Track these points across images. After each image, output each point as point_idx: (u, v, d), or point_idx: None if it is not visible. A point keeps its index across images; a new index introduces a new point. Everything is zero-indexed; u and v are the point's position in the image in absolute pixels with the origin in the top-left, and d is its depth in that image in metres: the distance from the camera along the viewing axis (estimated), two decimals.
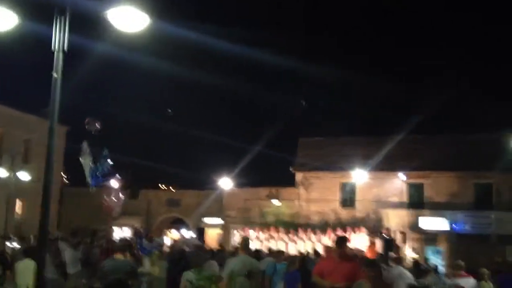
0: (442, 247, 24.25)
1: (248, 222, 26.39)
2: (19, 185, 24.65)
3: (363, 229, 21.55)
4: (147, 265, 11.62)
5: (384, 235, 20.57)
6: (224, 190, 29.26)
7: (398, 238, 22.65)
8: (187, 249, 17.61)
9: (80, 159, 13.91)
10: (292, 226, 24.18)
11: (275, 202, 28.52)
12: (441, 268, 14.48)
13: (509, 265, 13.39)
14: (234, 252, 11.77)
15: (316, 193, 28.21)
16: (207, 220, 30.10)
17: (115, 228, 29.13)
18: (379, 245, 20.12)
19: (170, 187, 38.72)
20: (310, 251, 16.76)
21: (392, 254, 14.28)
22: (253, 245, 20.16)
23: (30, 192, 23.33)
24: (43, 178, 6.34)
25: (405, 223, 24.58)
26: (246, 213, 28.99)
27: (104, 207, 15.44)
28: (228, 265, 7.87)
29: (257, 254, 14.82)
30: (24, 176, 24.66)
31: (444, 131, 28.48)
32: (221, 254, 14.19)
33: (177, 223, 33.94)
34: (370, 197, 27.18)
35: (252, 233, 22.38)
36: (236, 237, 22.37)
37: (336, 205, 27.84)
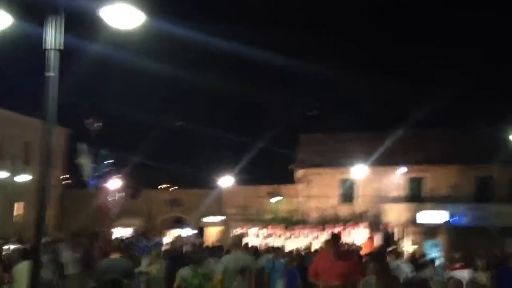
0: (441, 240, 24.29)
1: (248, 220, 26.43)
2: (19, 188, 24.72)
3: (363, 225, 21.56)
4: (145, 264, 11.62)
5: (383, 230, 20.60)
6: (225, 188, 29.30)
7: (397, 232, 22.68)
8: (185, 247, 17.68)
9: (78, 160, 13.98)
10: (292, 223, 24.23)
11: (275, 199, 28.55)
12: (439, 261, 14.48)
13: (508, 257, 13.42)
14: (228, 249, 11.82)
15: (316, 190, 28.23)
16: (208, 218, 30.16)
17: (116, 229, 29.21)
18: (378, 239, 20.16)
19: (171, 187, 38.72)
20: (309, 247, 16.79)
21: (389, 248, 14.34)
22: (253, 242, 20.22)
23: (30, 194, 23.37)
24: (39, 179, 6.36)
25: (405, 217, 24.61)
26: (247, 210, 29.03)
27: (102, 208, 15.48)
28: (221, 262, 7.89)
29: (256, 251, 14.92)
30: (24, 178, 24.74)
31: (444, 125, 28.44)
32: (220, 251, 14.21)
33: (179, 223, 34.00)
34: (370, 192, 27.19)
35: (252, 231, 22.40)
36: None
37: (336, 201, 27.86)
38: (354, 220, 23.37)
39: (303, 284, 10.44)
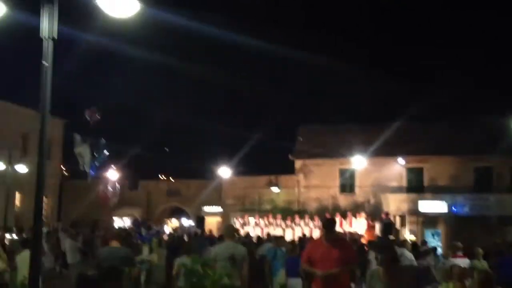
0: (441, 229, 24.39)
1: (247, 210, 26.45)
2: (18, 178, 24.68)
3: (363, 214, 21.59)
4: (146, 253, 11.64)
5: (384, 219, 20.63)
6: (223, 179, 29.29)
7: (397, 221, 22.74)
8: (186, 237, 17.71)
9: (75, 150, 13.94)
10: (291, 212, 24.24)
11: (274, 189, 28.56)
12: (440, 250, 14.52)
13: (509, 246, 13.43)
14: (220, 238, 11.84)
15: (316, 180, 28.25)
16: (207, 208, 30.18)
17: (115, 219, 29.26)
18: (378, 228, 20.20)
19: (170, 177, 38.72)
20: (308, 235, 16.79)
21: (391, 237, 14.34)
22: (253, 232, 20.25)
23: (29, 184, 23.30)
24: (37, 168, 6.32)
25: (404, 207, 24.66)
26: (246, 201, 29.07)
27: (101, 198, 15.46)
28: (212, 250, 7.91)
29: (258, 240, 14.93)
30: (22, 169, 24.68)
31: (443, 116, 28.45)
32: (221, 241, 14.20)
33: (177, 213, 34.06)
34: (370, 182, 27.23)
35: (251, 220, 22.41)
36: (235, 225, 22.37)
37: (335, 191, 27.89)
38: (354, 210, 23.37)
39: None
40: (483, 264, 10.12)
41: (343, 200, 27.33)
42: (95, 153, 14.54)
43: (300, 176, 28.70)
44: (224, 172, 28.74)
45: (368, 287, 5.32)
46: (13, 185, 24.83)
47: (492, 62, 49.99)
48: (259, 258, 12.31)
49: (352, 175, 27.90)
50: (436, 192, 25.22)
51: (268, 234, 17.23)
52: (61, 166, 33.56)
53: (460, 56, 51.13)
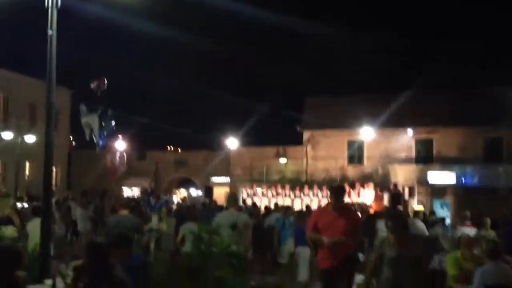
0: (450, 200, 24.40)
1: (255, 180, 26.55)
2: (27, 148, 24.89)
3: (371, 185, 21.59)
4: (155, 222, 11.77)
5: (392, 190, 20.66)
6: (231, 150, 29.32)
7: (405, 192, 22.76)
8: (195, 206, 17.85)
9: (82, 120, 13.91)
10: (299, 183, 24.30)
11: (282, 160, 28.58)
12: (448, 220, 14.56)
13: None
14: (223, 207, 11.97)
15: (323, 151, 28.21)
16: (215, 179, 30.31)
17: (124, 188, 29.52)
18: (386, 199, 20.24)
19: (178, 148, 38.86)
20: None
21: (399, 207, 14.36)
22: (261, 202, 20.33)
23: (38, 154, 23.49)
24: (45, 137, 6.34)
25: (413, 178, 24.63)
26: (253, 171, 29.17)
27: (108, 168, 15.55)
28: (215, 219, 8.00)
29: (266, 209, 15.02)
30: (31, 139, 24.86)
31: (452, 86, 28.05)
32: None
33: (185, 183, 34.28)
34: (378, 153, 27.14)
35: (259, 191, 22.51)
36: (243, 195, 22.51)
37: (343, 162, 27.87)
38: (363, 180, 23.37)
39: None
40: (490, 233, 10.14)
41: (351, 171, 27.32)
42: (103, 123, 14.46)
43: (308, 147, 28.68)
44: (232, 143, 28.76)
45: (377, 255, 5.30)
46: (23, 155, 25.07)
47: (504, 32, 49.09)
48: (266, 228, 12.43)
49: (360, 146, 27.81)
50: (445, 163, 25.13)
51: (276, 204, 17.30)
52: (70, 136, 33.74)
53: (470, 25, 50.23)
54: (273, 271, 11.58)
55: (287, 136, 31.17)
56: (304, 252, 10.04)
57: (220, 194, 28.27)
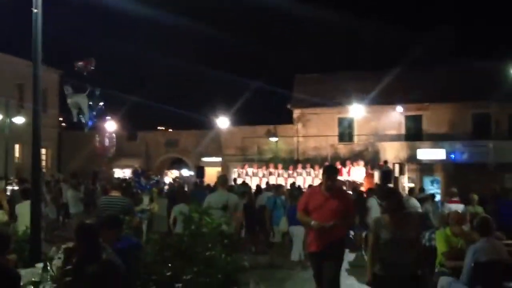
0: (440, 176, 24.62)
1: (246, 160, 26.55)
2: (16, 130, 24.66)
3: (361, 162, 21.67)
4: (146, 203, 11.74)
5: (382, 167, 20.76)
6: (222, 129, 29.25)
7: (396, 169, 22.86)
8: (186, 186, 17.85)
9: (68, 101, 13.76)
10: (290, 162, 24.35)
11: (273, 139, 28.58)
12: (438, 197, 14.71)
13: (506, 192, 13.58)
14: (214, 187, 12.01)
15: (314, 129, 28.22)
16: (206, 159, 30.30)
17: (116, 170, 29.42)
18: (377, 176, 20.35)
19: (168, 128, 38.71)
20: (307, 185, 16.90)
21: (390, 185, 14.45)
22: (253, 181, 20.33)
23: (27, 136, 23.28)
24: (32, 117, 6.28)
25: (403, 155, 24.78)
26: (245, 151, 29.17)
27: (97, 149, 15.38)
28: (206, 199, 8.04)
29: (257, 189, 15.05)
30: (19, 120, 24.62)
31: (442, 62, 28.00)
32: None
33: (177, 163, 34.25)
34: (368, 131, 27.22)
35: (251, 170, 22.51)
36: (234, 175, 22.50)
37: (334, 140, 27.92)
38: (353, 158, 23.46)
39: None
40: (477, 209, 10.25)
41: (342, 149, 27.42)
42: (91, 103, 14.29)
43: (299, 126, 28.66)
44: (223, 122, 28.67)
45: (372, 234, 5.17)
46: (12, 137, 24.84)
47: (491, 7, 48.92)
48: (258, 207, 12.47)
49: (350, 124, 27.86)
50: (435, 139, 25.28)
51: (267, 184, 17.34)
52: (59, 117, 33.43)
53: (457, 1, 49.94)
54: (265, 250, 11.67)
55: (278, 114, 31.13)
56: (298, 232, 10.09)
57: (212, 174, 28.34)
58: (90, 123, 14.07)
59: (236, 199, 8.35)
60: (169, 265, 5.26)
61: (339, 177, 16.43)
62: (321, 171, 20.21)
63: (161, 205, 12.14)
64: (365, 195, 13.19)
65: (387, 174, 19.51)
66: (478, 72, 24.79)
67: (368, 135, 27.11)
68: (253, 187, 16.05)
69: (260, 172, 22.01)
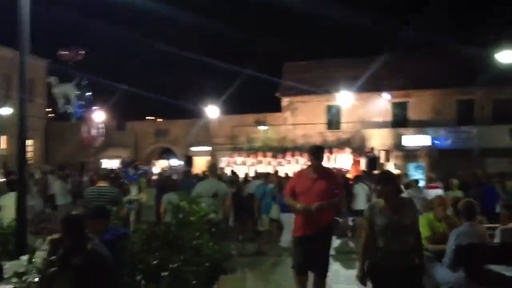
0: (424, 163, 24.86)
1: (235, 149, 26.59)
2: (3, 121, 24.42)
3: (348, 150, 21.83)
4: (134, 193, 11.76)
5: (368, 154, 20.94)
6: (211, 118, 29.20)
7: (382, 156, 23.11)
8: (175, 176, 17.88)
9: (53, 91, 13.71)
10: (280, 150, 24.43)
11: (262, 127, 28.62)
12: (422, 182, 14.89)
13: (489, 177, 13.82)
14: (204, 176, 12.08)
15: (302, 117, 28.31)
16: (195, 148, 30.27)
17: (104, 161, 29.31)
18: (363, 163, 20.53)
19: (157, 118, 38.56)
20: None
21: (375, 172, 14.58)
22: (242, 170, 20.40)
23: (14, 127, 23.07)
24: (18, 108, 6.25)
25: (389, 142, 24.96)
26: (234, 140, 29.19)
27: (84, 139, 15.29)
28: (196, 188, 8.10)
29: (245, 178, 15.12)
30: (6, 111, 24.38)
31: (427, 48, 28.10)
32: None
33: (166, 153, 34.18)
34: (356, 118, 27.35)
35: (240, 159, 22.56)
36: (224, 164, 22.56)
37: (322, 128, 28.04)
38: (340, 146, 23.60)
39: None
40: (457, 194, 10.39)
41: (331, 137, 27.56)
42: (78, 93, 14.26)
43: (287, 114, 28.72)
44: (212, 111, 28.59)
45: (367, 221, 4.96)
46: None
47: None
48: (246, 196, 12.52)
49: (338, 111, 27.97)
50: (420, 126, 25.47)
51: (256, 172, 17.42)
52: (46, 108, 33.15)
53: None
54: (253, 238, 11.75)
55: (267, 103, 31.16)
56: (289, 219, 10.16)
57: (201, 163, 28.38)
58: (78, 113, 14.05)
59: (226, 187, 8.48)
60: (156, 254, 5.30)
61: (326, 164, 16.55)
62: (307, 153, 20.34)
63: (150, 195, 12.16)
64: (351, 182, 13.32)
65: (373, 161, 19.69)
66: (461, 58, 24.88)
67: (355, 122, 27.25)
68: (242, 176, 16.11)
69: (249, 161, 22.05)
